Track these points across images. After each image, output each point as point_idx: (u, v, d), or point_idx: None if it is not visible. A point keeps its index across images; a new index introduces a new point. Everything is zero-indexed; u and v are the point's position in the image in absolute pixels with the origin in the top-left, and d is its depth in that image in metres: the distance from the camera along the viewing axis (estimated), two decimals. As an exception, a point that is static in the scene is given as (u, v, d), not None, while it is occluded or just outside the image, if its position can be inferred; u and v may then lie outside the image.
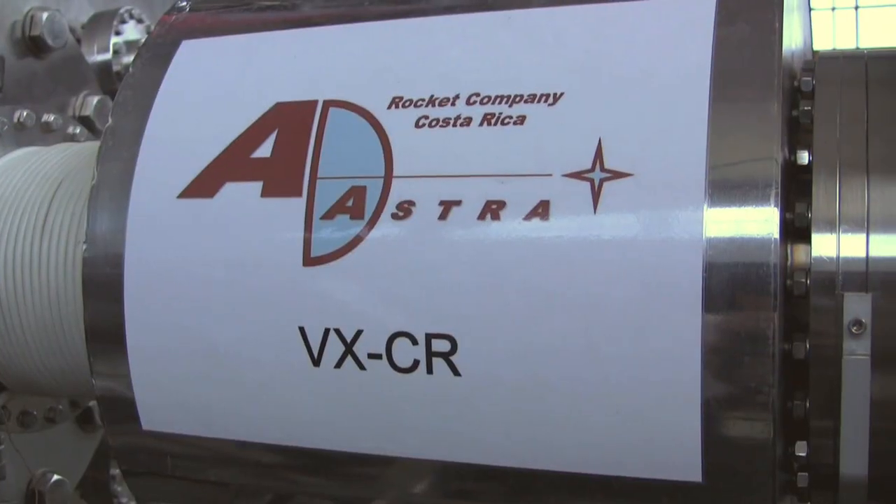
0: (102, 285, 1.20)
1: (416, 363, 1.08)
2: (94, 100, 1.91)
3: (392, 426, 1.12)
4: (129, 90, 1.26)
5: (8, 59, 1.73)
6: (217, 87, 1.22)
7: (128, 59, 2.06)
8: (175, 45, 1.27)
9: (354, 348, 1.10)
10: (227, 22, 1.31)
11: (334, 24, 1.23)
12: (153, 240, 1.18)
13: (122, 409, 1.22)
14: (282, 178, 1.13)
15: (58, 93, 1.89)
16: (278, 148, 1.15)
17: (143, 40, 1.94)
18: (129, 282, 1.18)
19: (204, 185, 1.16)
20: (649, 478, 1.06)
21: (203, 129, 1.20)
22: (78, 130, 1.72)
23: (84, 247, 1.21)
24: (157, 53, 1.28)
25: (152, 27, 1.98)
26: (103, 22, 2.05)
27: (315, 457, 1.16)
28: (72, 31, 1.92)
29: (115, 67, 2.05)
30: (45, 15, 1.82)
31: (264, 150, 1.16)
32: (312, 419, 1.14)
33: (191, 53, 1.26)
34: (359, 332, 1.10)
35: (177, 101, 1.22)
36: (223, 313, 1.15)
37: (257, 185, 1.14)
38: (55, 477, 1.81)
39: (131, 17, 2.08)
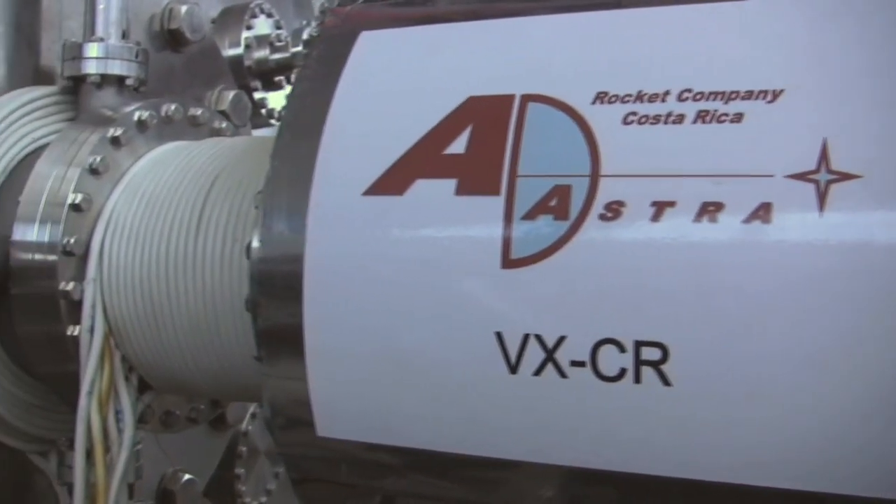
0: (279, 285, 1.18)
1: (622, 372, 1.04)
2: (230, 94, 1.90)
3: (594, 437, 1.08)
4: (306, 82, 1.24)
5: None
6: (402, 79, 1.19)
7: (259, 53, 2.05)
8: (353, 37, 1.24)
9: (556, 355, 1.06)
10: (408, 12, 1.28)
11: (527, 16, 1.19)
12: (336, 238, 1.15)
13: (296, 413, 1.20)
14: (478, 175, 1.10)
15: (195, 87, 1.88)
16: (473, 144, 1.11)
17: (272, 35, 1.93)
18: (310, 282, 1.15)
19: (393, 182, 1.13)
20: (871, 496, 1.00)
21: (389, 124, 1.16)
22: (224, 125, 1.69)
23: (258, 245, 1.17)
24: (333, 45, 1.25)
25: (281, 22, 1.96)
26: (234, 16, 2.04)
27: (507, 468, 1.12)
28: (200, 25, 1.90)
29: (247, 62, 2.04)
30: (184, 8, 1.81)
31: (458, 147, 1.12)
32: (506, 428, 1.11)
33: (371, 45, 1.23)
34: (561, 339, 1.06)
35: (359, 95, 1.19)
36: (412, 316, 1.12)
37: (451, 183, 1.11)
38: (186, 476, 1.81)
39: (261, 11, 2.06)
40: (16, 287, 1.56)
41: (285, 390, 1.22)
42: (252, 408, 2.14)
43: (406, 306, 1.14)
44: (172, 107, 1.63)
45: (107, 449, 1.53)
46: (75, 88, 1.75)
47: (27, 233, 1.55)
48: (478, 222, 1.11)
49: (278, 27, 2.21)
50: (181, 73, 1.96)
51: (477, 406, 1.13)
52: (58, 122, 1.75)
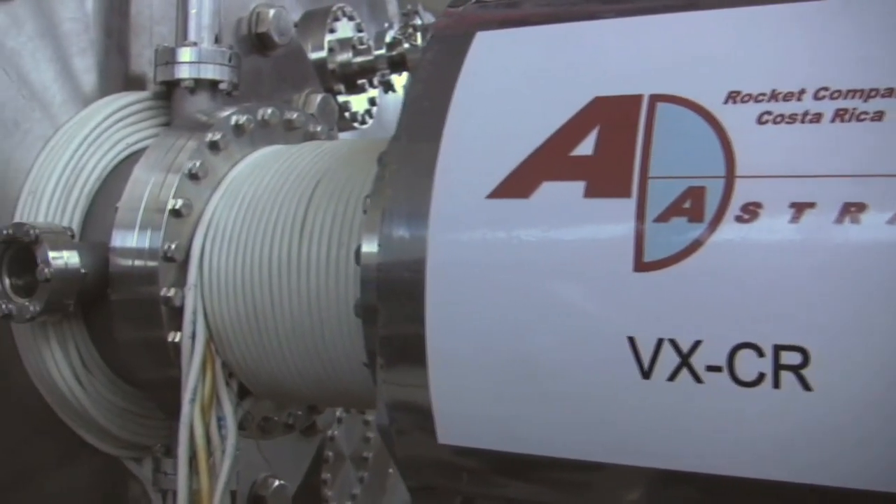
0: (399, 291, 1.16)
1: (761, 376, 1.02)
2: (318, 98, 1.89)
3: (730, 443, 1.06)
4: (421, 85, 1.23)
5: (235, 56, 1.72)
6: (523, 80, 1.18)
7: (342, 56, 2.04)
8: (468, 38, 1.22)
9: (691, 360, 1.04)
10: (525, 13, 1.27)
11: (651, 14, 1.17)
12: (460, 243, 1.14)
13: (416, 420, 1.18)
14: (608, 177, 1.08)
15: (282, 90, 1.88)
16: (602, 145, 1.10)
17: (355, 38, 1.92)
18: (433, 287, 1.14)
19: (518, 185, 1.11)
20: None
21: (512, 126, 1.15)
22: (319, 128, 1.69)
23: (375, 250, 1.16)
24: (448, 46, 1.24)
25: (362, 25, 1.96)
26: (316, 20, 2.04)
27: (639, 475, 1.09)
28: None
29: (330, 66, 2.04)
30: (271, 12, 1.81)
31: (585, 148, 1.10)
32: (637, 435, 1.09)
33: (488, 46, 1.22)
34: (697, 343, 1.04)
35: (478, 96, 1.18)
36: (539, 321, 1.10)
37: (579, 185, 1.09)
38: (277, 482, 1.80)
39: (343, 14, 2.06)
40: (115, 293, 1.56)
41: (405, 397, 1.20)
42: (338, 412, 2.14)
43: (533, 311, 1.12)
44: (269, 111, 1.62)
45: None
46: (168, 93, 1.75)
47: (126, 239, 1.55)
48: (609, 225, 1.09)
49: (360, 30, 2.21)
50: (269, 76, 1.96)
51: (607, 412, 1.11)
52: (151, 128, 1.76)
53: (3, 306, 1.56)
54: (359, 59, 2.17)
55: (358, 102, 2.24)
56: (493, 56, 1.23)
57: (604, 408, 1.11)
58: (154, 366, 1.57)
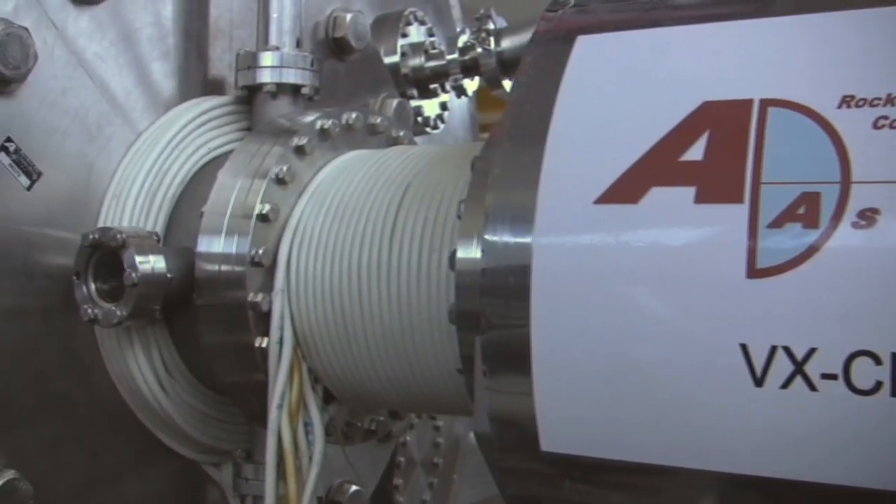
0: (504, 297, 1.16)
1: (878, 385, 1.01)
2: (394, 102, 1.89)
3: (847, 452, 1.05)
4: (523, 89, 1.23)
5: (312, 60, 1.73)
6: (629, 85, 1.18)
7: (414, 61, 2.04)
8: (569, 42, 1.22)
9: (806, 368, 1.03)
10: (628, 16, 1.27)
11: (757, 18, 1.16)
12: (567, 248, 1.13)
13: (519, 428, 1.18)
14: (719, 182, 1.08)
15: (358, 95, 1.89)
16: (712, 150, 1.09)
17: (426, 42, 1.92)
18: (538, 293, 1.14)
19: (626, 190, 1.11)
20: None
21: (619, 130, 1.15)
22: (402, 133, 1.69)
23: (481, 255, 1.16)
24: (549, 50, 1.24)
25: (434, 30, 1.96)
26: (389, 24, 2.05)
27: (752, 484, 1.09)
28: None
29: (403, 70, 2.04)
30: (348, 16, 1.82)
31: (695, 153, 1.10)
32: (747, 443, 1.08)
33: (591, 49, 1.21)
34: (811, 351, 1.03)
35: (583, 100, 1.18)
36: (648, 327, 1.10)
37: (689, 191, 1.09)
38: (353, 487, 1.80)
39: (415, 18, 2.06)
40: (201, 298, 1.57)
41: (508, 405, 1.20)
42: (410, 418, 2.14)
43: (642, 318, 1.12)
44: (353, 115, 1.63)
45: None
46: (250, 98, 1.76)
47: (213, 244, 1.55)
48: (720, 231, 1.09)
49: (431, 34, 2.22)
50: (345, 81, 1.97)
51: (717, 420, 1.11)
52: (232, 132, 1.77)
53: (89, 311, 1.57)
54: (431, 63, 2.17)
55: (430, 107, 2.25)
56: (597, 60, 1.23)
57: (714, 416, 1.11)
58: (239, 370, 1.58)
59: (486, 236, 1.18)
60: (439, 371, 1.43)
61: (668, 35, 1.22)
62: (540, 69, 1.24)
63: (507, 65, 2.12)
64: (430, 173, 1.48)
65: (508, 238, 1.17)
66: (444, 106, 2.27)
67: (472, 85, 2.23)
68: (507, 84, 2.16)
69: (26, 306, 1.60)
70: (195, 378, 1.71)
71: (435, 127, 2.24)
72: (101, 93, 1.66)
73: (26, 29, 1.55)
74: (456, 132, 2.43)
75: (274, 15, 1.72)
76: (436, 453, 2.29)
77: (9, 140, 1.56)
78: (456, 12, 2.54)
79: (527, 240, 1.16)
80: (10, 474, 1.57)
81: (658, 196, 1.12)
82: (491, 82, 2.13)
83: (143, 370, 1.65)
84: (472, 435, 2.58)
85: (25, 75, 1.56)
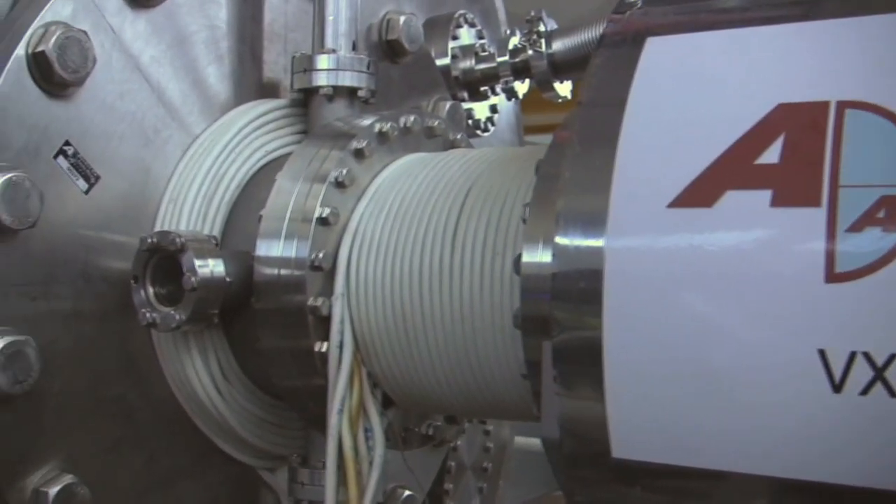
0: (576, 301, 1.15)
1: (962, 391, 0.99)
2: (447, 105, 1.89)
3: (929, 461, 1.03)
4: (593, 91, 1.22)
5: (365, 62, 1.73)
6: (701, 86, 1.17)
7: (465, 63, 2.04)
8: (639, 43, 1.21)
9: (886, 374, 1.03)
10: (698, 17, 1.26)
11: (831, 19, 1.15)
12: (640, 252, 1.13)
13: (589, 433, 1.17)
14: (796, 186, 1.07)
15: (411, 97, 1.88)
16: (788, 153, 1.08)
17: (477, 45, 1.92)
18: (611, 297, 1.13)
19: (701, 194, 1.10)
20: None
21: (692, 133, 1.14)
22: (459, 136, 1.69)
23: (552, 260, 1.15)
24: (618, 52, 1.23)
25: (483, 32, 1.96)
26: (439, 27, 2.05)
27: (824, 492, 1.07)
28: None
29: (454, 72, 2.04)
30: (402, 19, 1.82)
31: (770, 156, 1.09)
32: (825, 450, 1.07)
33: (661, 51, 1.21)
34: (892, 357, 1.02)
35: (654, 102, 1.17)
36: (724, 333, 1.09)
37: (765, 194, 1.08)
38: (406, 492, 1.81)
39: (466, 21, 2.05)
40: (260, 302, 1.57)
41: (578, 410, 1.19)
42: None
43: (717, 323, 1.11)
44: (411, 118, 1.63)
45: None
46: (305, 101, 1.76)
47: (272, 248, 1.55)
48: (798, 235, 1.08)
49: (481, 37, 2.21)
50: (398, 83, 1.97)
51: (793, 427, 1.10)
52: (288, 136, 1.77)
53: (148, 315, 1.58)
54: (482, 65, 2.17)
55: (480, 109, 2.24)
56: (667, 62, 1.22)
57: (790, 422, 1.10)
58: (298, 374, 1.58)
59: (557, 240, 1.17)
60: (501, 375, 1.43)
61: (741, 37, 1.21)
62: (609, 71, 1.23)
63: (559, 67, 2.12)
64: (491, 176, 1.47)
65: (580, 242, 1.17)
66: (493, 108, 2.27)
67: (522, 87, 2.23)
68: (558, 86, 2.15)
69: (84, 310, 1.61)
70: (251, 382, 1.71)
71: (485, 130, 2.23)
72: (157, 96, 1.67)
73: (85, 32, 1.55)
74: (503, 134, 2.43)
75: (330, 17, 1.72)
76: (485, 458, 2.28)
77: (67, 144, 1.57)
78: (501, 14, 2.54)
79: (599, 244, 1.15)
80: (67, 479, 1.58)
81: (733, 199, 1.11)
82: (542, 84, 2.13)
83: (199, 374, 1.65)
84: (516, 439, 2.58)
85: (84, 79, 1.57)
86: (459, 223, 1.45)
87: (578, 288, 1.17)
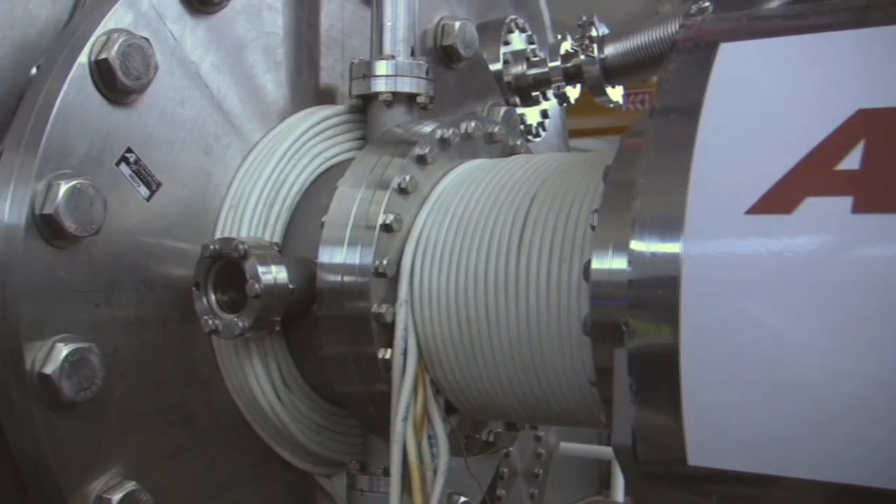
0: (652, 308, 1.15)
1: None
2: (502, 110, 1.89)
3: None
4: (667, 97, 1.22)
5: (420, 67, 1.73)
6: (777, 92, 1.17)
7: (516, 69, 2.04)
8: (712, 49, 1.21)
9: None
10: (772, 23, 1.25)
11: (910, 23, 1.14)
12: (718, 259, 1.13)
13: (665, 441, 1.17)
14: (879, 192, 1.06)
15: (466, 103, 1.88)
16: (869, 159, 1.08)
17: (528, 50, 1.92)
18: (688, 305, 1.13)
19: (779, 200, 1.10)
20: None
21: (769, 139, 1.14)
22: (518, 142, 1.69)
23: (630, 268, 1.15)
24: (691, 58, 1.23)
25: (534, 37, 1.95)
26: (490, 32, 2.05)
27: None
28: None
29: (506, 78, 2.04)
30: (457, 24, 1.82)
31: (851, 162, 1.09)
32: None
33: (735, 57, 1.21)
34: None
35: (730, 108, 1.17)
36: (806, 341, 1.09)
37: (846, 201, 1.07)
38: (462, 499, 1.80)
39: (517, 26, 2.06)
40: (323, 309, 1.57)
41: (653, 418, 1.19)
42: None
43: (799, 330, 1.11)
44: (472, 124, 1.63)
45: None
46: (364, 107, 1.76)
47: (335, 254, 1.56)
48: (881, 242, 1.07)
49: (531, 42, 2.21)
50: (454, 89, 1.97)
51: (879, 434, 1.09)
52: (347, 142, 1.78)
53: (210, 322, 1.59)
54: (533, 70, 2.18)
55: (532, 115, 2.24)
56: (742, 67, 1.22)
57: (875, 430, 1.09)
58: (360, 381, 1.58)
59: (633, 246, 1.17)
60: (567, 382, 1.43)
61: (815, 42, 1.20)
62: (683, 77, 1.23)
63: (611, 71, 2.12)
64: (556, 182, 1.47)
65: (656, 248, 1.16)
66: (544, 114, 2.27)
67: (574, 92, 2.22)
68: (611, 91, 2.15)
69: (146, 317, 1.62)
70: (311, 389, 1.71)
71: (536, 135, 2.24)
72: (217, 103, 1.68)
73: (147, 39, 1.56)
74: (550, 140, 2.43)
75: (388, 24, 1.73)
76: (537, 463, 2.28)
77: (129, 151, 1.58)
78: (546, 19, 2.54)
79: (676, 250, 1.15)
80: (130, 486, 1.58)
81: (813, 206, 1.11)
82: (595, 89, 2.13)
83: (260, 381, 1.66)
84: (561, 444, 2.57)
85: (146, 86, 1.58)
86: (525, 230, 1.45)
87: (655, 295, 1.17)
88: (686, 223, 1.16)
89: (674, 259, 1.16)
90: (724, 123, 1.19)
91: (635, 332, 1.19)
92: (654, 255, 1.17)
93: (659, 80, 1.25)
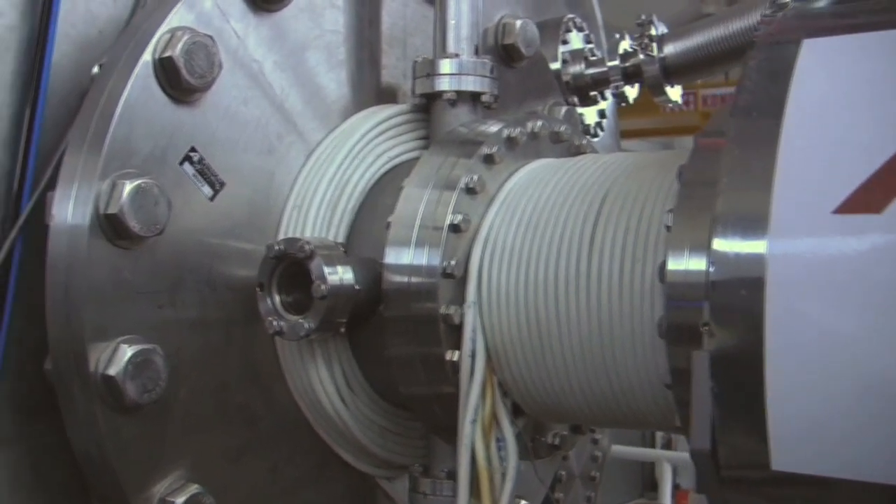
0: (735, 310, 1.13)
1: None
2: (562, 109, 1.87)
3: None
4: (749, 95, 1.20)
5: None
6: (864, 89, 1.15)
7: (575, 68, 2.03)
8: (794, 46, 1.19)
9: None
10: (855, 19, 1.23)
11: None
12: (805, 261, 1.10)
13: (748, 445, 1.15)
14: (966, 191, 1.03)
15: (527, 102, 1.87)
16: (956, 158, 1.05)
17: (586, 49, 1.90)
18: (773, 307, 1.11)
19: (868, 200, 1.08)
20: None
21: (856, 136, 1.12)
22: (584, 141, 1.67)
23: (712, 269, 1.13)
24: (773, 56, 1.21)
25: (591, 36, 1.94)
26: (549, 31, 2.04)
27: None
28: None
29: (564, 77, 2.03)
30: (518, 23, 1.81)
31: (943, 160, 1.06)
32: None
33: (818, 53, 1.18)
34: None
35: (815, 106, 1.15)
36: (894, 344, 1.05)
37: (934, 200, 1.04)
38: (522, 502, 1.78)
39: (574, 25, 2.04)
40: (389, 310, 1.56)
41: (735, 422, 1.17)
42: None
43: (888, 333, 1.08)
44: (538, 123, 1.62)
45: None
46: (427, 106, 1.75)
47: (402, 255, 1.55)
48: (974, 242, 1.04)
49: (589, 41, 2.20)
50: (515, 88, 1.95)
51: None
52: (410, 141, 1.77)
53: (275, 323, 1.58)
54: (591, 70, 2.16)
55: (590, 114, 2.23)
56: (827, 64, 1.20)
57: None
58: (427, 382, 1.57)
59: (716, 246, 1.15)
60: (640, 384, 1.41)
61: (903, 37, 1.18)
62: (765, 75, 1.21)
63: (671, 71, 2.10)
64: (628, 182, 1.46)
65: (739, 248, 1.14)
66: (602, 113, 2.26)
67: (632, 92, 2.21)
68: (670, 90, 2.13)
69: (210, 318, 1.61)
70: (374, 391, 1.70)
71: (595, 135, 2.22)
72: (280, 102, 1.67)
73: (211, 37, 1.55)
74: (604, 139, 2.41)
75: (451, 22, 1.71)
76: (593, 466, 2.27)
77: (193, 150, 1.57)
78: (599, 19, 2.53)
79: (761, 251, 1.13)
80: (193, 489, 1.57)
81: (904, 206, 1.08)
82: (654, 88, 2.11)
83: (324, 383, 1.65)
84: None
85: (210, 84, 1.57)
86: (597, 229, 1.44)
87: (738, 296, 1.15)
88: (771, 223, 1.14)
89: (758, 259, 1.14)
90: (809, 121, 1.17)
91: (717, 335, 1.16)
92: (737, 255, 1.15)
93: (740, 78, 1.23)
